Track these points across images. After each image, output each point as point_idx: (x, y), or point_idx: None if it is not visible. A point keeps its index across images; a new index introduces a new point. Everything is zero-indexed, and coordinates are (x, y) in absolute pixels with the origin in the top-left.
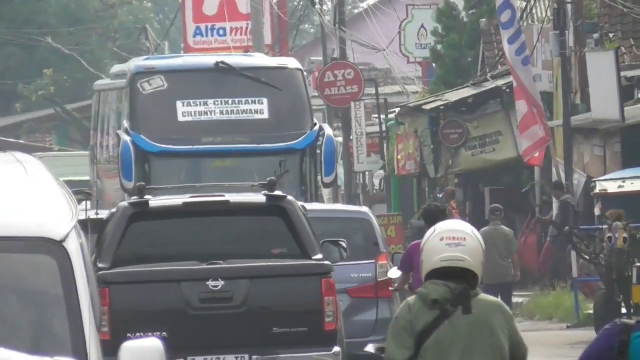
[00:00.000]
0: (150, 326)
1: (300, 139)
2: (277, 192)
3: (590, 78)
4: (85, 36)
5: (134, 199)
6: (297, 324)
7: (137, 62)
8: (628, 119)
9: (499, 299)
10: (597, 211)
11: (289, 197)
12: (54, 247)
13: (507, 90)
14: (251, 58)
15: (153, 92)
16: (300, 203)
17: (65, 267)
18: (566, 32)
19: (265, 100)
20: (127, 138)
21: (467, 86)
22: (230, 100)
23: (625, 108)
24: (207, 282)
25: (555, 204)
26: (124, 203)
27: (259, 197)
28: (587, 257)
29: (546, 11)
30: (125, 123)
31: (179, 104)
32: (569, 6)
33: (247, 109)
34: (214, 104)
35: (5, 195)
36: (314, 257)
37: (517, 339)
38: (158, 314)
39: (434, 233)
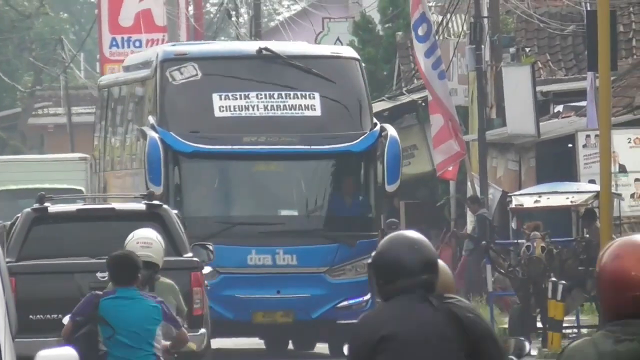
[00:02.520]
0: (48, 311)
1: (358, 140)
2: (155, 202)
3: (506, 93)
4: (1, 47)
5: (36, 206)
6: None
7: (166, 47)
8: (543, 134)
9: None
10: (513, 226)
11: (165, 206)
12: None
13: (423, 104)
14: (301, 45)
15: (185, 82)
16: (174, 211)
17: None
18: (482, 46)
19: (317, 94)
20: (155, 135)
21: (383, 100)
22: (276, 94)
23: (540, 123)
24: (97, 274)
25: (470, 218)
26: (28, 209)
27: (140, 206)
28: (503, 271)
29: (462, 26)
30: (152, 119)
31: (215, 97)
32: (485, 21)
33: (296, 105)
34: (257, 97)
35: None
36: (185, 255)
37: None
38: (55, 301)
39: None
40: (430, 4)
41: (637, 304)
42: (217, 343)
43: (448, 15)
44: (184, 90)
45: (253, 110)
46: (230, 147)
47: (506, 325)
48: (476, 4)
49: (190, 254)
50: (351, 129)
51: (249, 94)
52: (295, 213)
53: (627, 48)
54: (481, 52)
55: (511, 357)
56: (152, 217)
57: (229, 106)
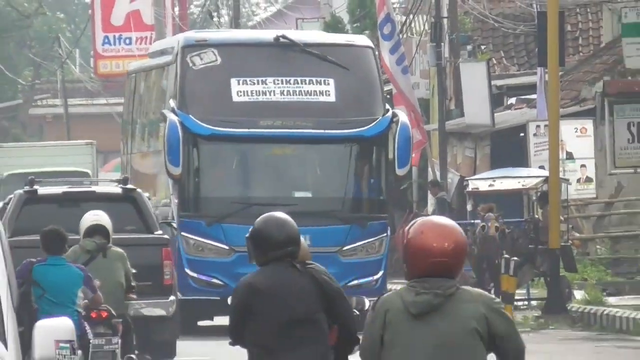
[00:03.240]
0: None
1: (370, 125)
2: (129, 186)
3: (464, 86)
4: (3, 44)
5: (27, 188)
6: (144, 280)
7: (188, 34)
8: (498, 124)
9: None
10: (469, 207)
11: (138, 190)
12: None
13: (388, 96)
14: (316, 34)
15: (204, 67)
16: (146, 194)
17: None
18: (442, 44)
19: (331, 81)
20: (175, 118)
21: None
22: (292, 80)
23: (495, 114)
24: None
25: (431, 201)
26: (20, 191)
27: (116, 189)
28: None
29: (424, 25)
30: (172, 102)
31: (233, 81)
32: (445, 21)
33: (311, 91)
34: (274, 83)
35: None
36: (156, 233)
37: None
38: None
39: (87, 214)
40: (394, 5)
41: (433, 268)
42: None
43: (411, 16)
44: (204, 75)
45: (270, 95)
46: (247, 130)
47: None
48: (437, 5)
49: (160, 232)
50: (364, 115)
51: (266, 80)
52: (309, 195)
53: (574, 46)
54: (441, 50)
55: (355, 310)
56: (126, 199)
57: (247, 91)
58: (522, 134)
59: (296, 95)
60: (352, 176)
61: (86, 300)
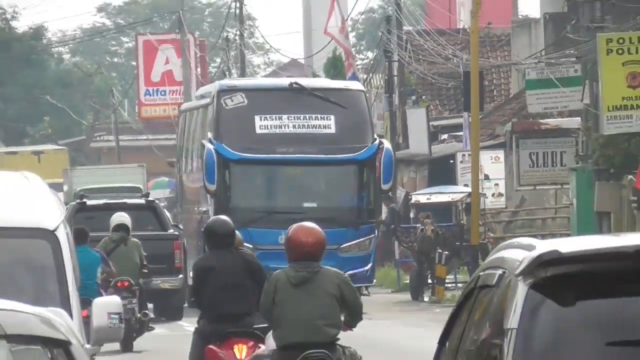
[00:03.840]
0: None
1: (362, 151)
2: (150, 198)
3: (409, 126)
4: (72, 95)
5: (77, 200)
6: (161, 264)
7: (222, 82)
8: (434, 153)
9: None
10: (412, 215)
11: (156, 200)
12: (49, 234)
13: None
14: (320, 80)
15: (235, 107)
16: (162, 204)
17: (56, 249)
18: (393, 95)
19: (332, 117)
20: (211, 147)
21: None
22: (302, 116)
23: (432, 146)
24: None
25: (385, 210)
26: (73, 202)
27: (141, 200)
28: (405, 245)
29: (380, 81)
30: (210, 134)
31: (257, 118)
32: (395, 78)
33: (316, 124)
34: (288, 119)
35: (19, 201)
36: (169, 231)
37: None
38: None
39: (116, 214)
40: (358, 66)
41: (304, 255)
42: None
43: (370, 74)
44: (234, 113)
45: (284, 128)
46: (267, 155)
47: (407, 281)
48: (389, 66)
49: (171, 230)
50: (357, 143)
51: (281, 116)
52: (315, 205)
53: (490, 96)
54: (392, 99)
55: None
56: (148, 208)
57: (267, 125)
58: (451, 161)
59: (305, 128)
60: (347, 190)
61: (104, 274)
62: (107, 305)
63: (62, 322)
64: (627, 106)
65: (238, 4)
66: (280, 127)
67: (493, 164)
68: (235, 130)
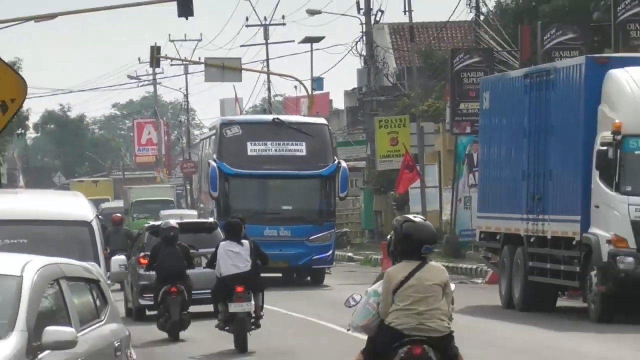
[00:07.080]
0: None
1: (325, 168)
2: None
3: None
4: (99, 151)
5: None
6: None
7: (223, 117)
8: None
9: None
10: None
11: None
12: (88, 224)
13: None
14: (295, 117)
15: (232, 135)
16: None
17: (92, 232)
18: None
19: (304, 143)
20: (215, 164)
21: None
22: (281, 142)
23: None
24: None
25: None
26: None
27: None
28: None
29: None
30: (214, 155)
31: (248, 143)
32: None
33: (292, 149)
34: (271, 144)
35: (70, 206)
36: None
37: None
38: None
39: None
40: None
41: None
42: None
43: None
44: (232, 140)
45: (268, 151)
46: (255, 171)
47: None
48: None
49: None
50: (321, 162)
51: (267, 142)
52: (290, 208)
53: None
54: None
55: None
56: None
57: (256, 149)
58: None
59: (283, 151)
60: (314, 197)
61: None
62: (118, 260)
63: (95, 269)
64: (390, 155)
65: (185, 104)
66: (266, 150)
67: None
68: (233, 153)
